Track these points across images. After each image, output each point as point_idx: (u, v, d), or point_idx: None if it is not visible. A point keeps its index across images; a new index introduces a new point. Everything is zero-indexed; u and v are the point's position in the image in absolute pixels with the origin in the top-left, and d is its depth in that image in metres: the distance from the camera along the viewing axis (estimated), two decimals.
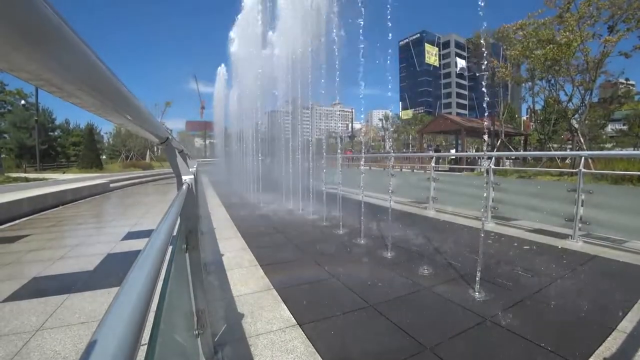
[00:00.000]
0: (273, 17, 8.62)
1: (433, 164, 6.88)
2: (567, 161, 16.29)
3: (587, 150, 13.30)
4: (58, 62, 0.29)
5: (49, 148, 36.21)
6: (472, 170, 14.34)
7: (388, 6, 3.77)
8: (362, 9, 4.28)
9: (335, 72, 5.22)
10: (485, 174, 3.19)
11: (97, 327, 0.30)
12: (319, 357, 1.86)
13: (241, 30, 10.86)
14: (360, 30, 4.29)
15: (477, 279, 2.74)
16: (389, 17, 3.86)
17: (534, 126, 24.07)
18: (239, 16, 11.04)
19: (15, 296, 2.83)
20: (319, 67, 5.99)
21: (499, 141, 21.65)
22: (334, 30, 5.19)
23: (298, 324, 2.23)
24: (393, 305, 2.55)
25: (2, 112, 33.75)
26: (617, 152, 14.96)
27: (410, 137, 62.84)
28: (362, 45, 4.35)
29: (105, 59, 0.41)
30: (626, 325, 2.18)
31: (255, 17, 9.13)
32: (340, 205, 5.34)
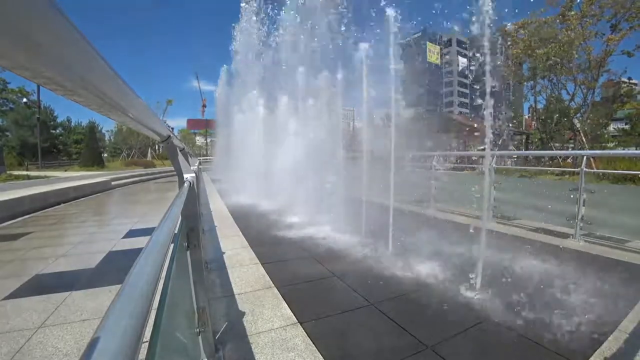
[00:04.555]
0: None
1: (434, 163, 6.86)
2: (569, 160, 16.27)
3: (589, 150, 13.26)
4: (60, 60, 0.29)
5: (51, 146, 36.35)
6: (474, 169, 14.31)
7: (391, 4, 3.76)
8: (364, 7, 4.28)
9: (336, 71, 5.21)
10: (486, 173, 3.20)
11: (99, 324, 0.30)
12: (319, 355, 1.86)
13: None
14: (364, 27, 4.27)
15: (478, 277, 2.74)
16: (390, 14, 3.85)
17: (535, 125, 24.01)
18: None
19: (17, 293, 2.84)
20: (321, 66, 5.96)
21: (501, 140, 21.58)
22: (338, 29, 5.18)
23: (299, 322, 2.23)
24: (393, 303, 2.55)
25: (4, 110, 33.84)
26: (619, 151, 14.90)
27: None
28: (365, 43, 4.34)
29: (107, 57, 0.41)
30: (627, 325, 2.17)
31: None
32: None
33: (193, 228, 1.55)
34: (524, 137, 27.81)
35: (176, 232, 1.22)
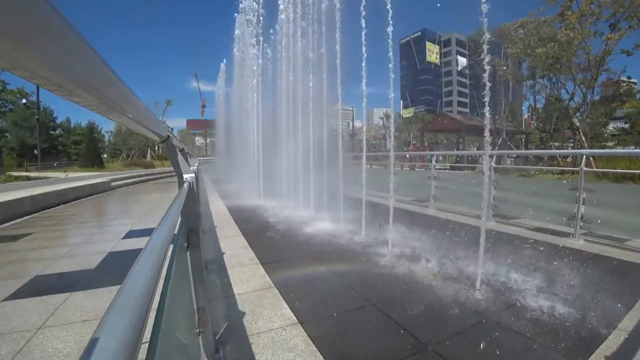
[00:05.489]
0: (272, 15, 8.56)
1: (434, 162, 6.86)
2: (569, 159, 16.28)
3: (589, 149, 13.27)
4: (58, 60, 0.29)
5: (50, 147, 36.36)
6: (473, 168, 14.32)
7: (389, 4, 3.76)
8: (363, 7, 4.28)
9: (336, 71, 5.22)
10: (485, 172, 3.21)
11: (99, 325, 0.30)
12: (320, 355, 1.87)
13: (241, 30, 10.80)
14: (363, 27, 4.28)
15: (478, 277, 2.75)
16: (389, 14, 3.85)
17: (535, 124, 24.03)
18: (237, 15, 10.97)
19: (17, 294, 2.84)
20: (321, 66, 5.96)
21: (500, 139, 21.61)
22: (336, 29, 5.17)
23: (299, 322, 2.23)
24: (394, 303, 2.55)
25: (3, 111, 33.80)
26: (618, 150, 14.90)
27: (412, 135, 62.79)
28: (364, 44, 4.34)
29: (105, 57, 0.41)
30: (627, 323, 2.18)
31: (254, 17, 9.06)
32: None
33: (193, 228, 1.55)
34: (524, 136, 27.84)
35: (176, 232, 1.22)
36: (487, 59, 2.69)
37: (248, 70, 9.61)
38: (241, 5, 10.28)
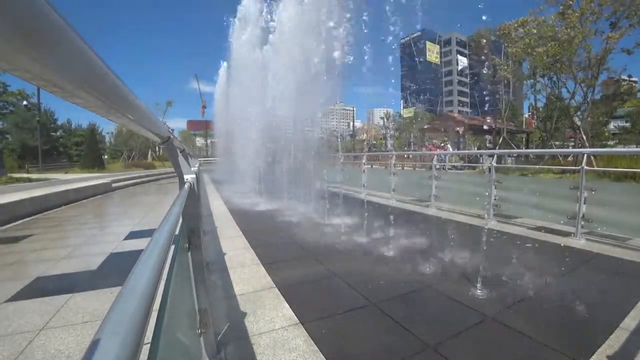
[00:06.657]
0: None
1: (434, 162, 6.86)
2: (570, 159, 16.24)
3: (590, 148, 13.25)
4: (59, 61, 0.29)
5: (51, 148, 36.41)
6: (474, 168, 14.31)
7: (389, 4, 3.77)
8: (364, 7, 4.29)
9: (336, 71, 5.23)
10: (487, 172, 3.19)
11: (100, 326, 0.30)
12: (321, 355, 1.86)
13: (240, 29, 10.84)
14: (363, 28, 4.29)
15: (479, 276, 2.74)
16: (389, 13, 3.85)
17: (536, 124, 23.99)
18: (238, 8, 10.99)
19: (19, 296, 2.84)
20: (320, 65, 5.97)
21: (501, 139, 21.58)
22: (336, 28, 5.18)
23: (300, 322, 2.23)
24: (395, 303, 2.55)
25: (4, 113, 33.86)
26: (619, 149, 14.85)
27: (412, 135, 62.68)
28: (365, 44, 4.35)
29: (106, 59, 0.41)
30: (629, 323, 2.17)
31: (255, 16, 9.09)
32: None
33: (194, 229, 1.55)
34: (524, 135, 27.79)
35: (177, 233, 1.22)
36: (486, 66, 2.68)
37: (248, 73, 9.62)
38: (239, 14, 10.34)
